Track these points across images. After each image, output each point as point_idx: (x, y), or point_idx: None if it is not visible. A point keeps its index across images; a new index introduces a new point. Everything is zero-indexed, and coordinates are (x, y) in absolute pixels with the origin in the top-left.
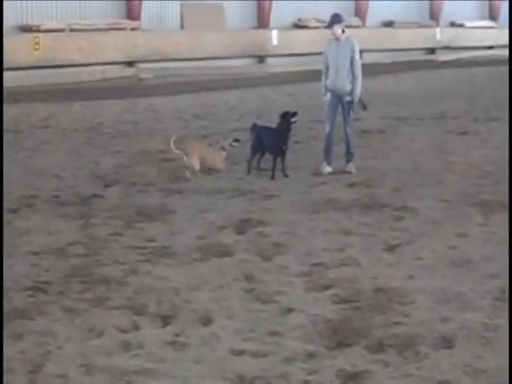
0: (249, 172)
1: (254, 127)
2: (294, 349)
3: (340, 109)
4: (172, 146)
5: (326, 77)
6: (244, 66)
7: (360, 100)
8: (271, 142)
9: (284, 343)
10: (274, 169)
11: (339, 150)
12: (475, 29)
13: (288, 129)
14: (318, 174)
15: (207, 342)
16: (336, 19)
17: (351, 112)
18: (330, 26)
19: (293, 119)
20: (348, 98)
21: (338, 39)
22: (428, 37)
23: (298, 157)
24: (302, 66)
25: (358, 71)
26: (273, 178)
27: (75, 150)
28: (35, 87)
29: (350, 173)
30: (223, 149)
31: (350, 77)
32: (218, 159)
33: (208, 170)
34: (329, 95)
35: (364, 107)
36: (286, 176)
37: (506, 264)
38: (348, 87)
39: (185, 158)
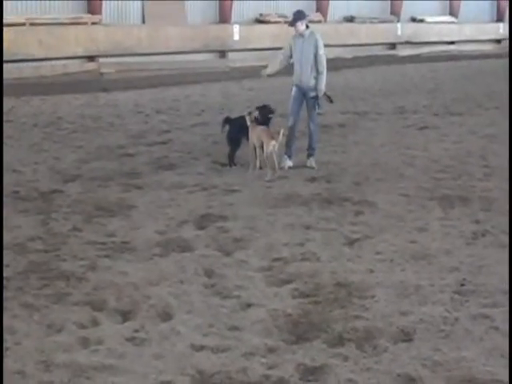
0: (231, 165)
1: (227, 120)
2: (254, 343)
3: (305, 103)
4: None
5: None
6: (205, 60)
7: (325, 94)
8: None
9: (244, 338)
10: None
11: (301, 144)
12: (436, 24)
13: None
14: (278, 168)
15: (167, 337)
16: (298, 16)
17: (316, 107)
18: (292, 23)
19: (270, 115)
20: (312, 94)
21: (301, 35)
22: (389, 32)
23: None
24: (264, 60)
25: (323, 66)
26: (260, 167)
27: (35, 145)
28: None
29: (311, 168)
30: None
31: (314, 72)
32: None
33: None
34: (294, 89)
35: (330, 100)
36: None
37: (465, 258)
38: (312, 82)
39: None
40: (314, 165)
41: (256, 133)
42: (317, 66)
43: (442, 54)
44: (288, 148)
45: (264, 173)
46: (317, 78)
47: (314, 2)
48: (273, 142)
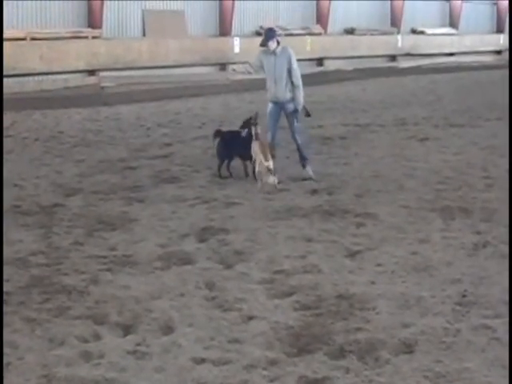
0: (220, 176)
1: (219, 133)
2: (256, 356)
3: (284, 117)
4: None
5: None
6: (206, 73)
7: (303, 107)
8: (242, 146)
9: (245, 351)
10: (246, 169)
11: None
12: (436, 36)
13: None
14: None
15: (168, 350)
16: (269, 35)
17: (295, 121)
18: (264, 43)
19: (252, 120)
20: (291, 107)
21: (273, 53)
22: (389, 44)
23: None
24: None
25: (298, 80)
26: (247, 175)
27: (36, 159)
28: None
29: (308, 178)
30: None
31: (289, 85)
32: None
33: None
34: (270, 105)
35: (307, 114)
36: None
37: (466, 269)
38: (288, 95)
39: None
40: (311, 174)
41: (254, 147)
42: (292, 80)
43: (442, 65)
44: (301, 161)
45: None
46: (293, 92)
47: (315, 14)
48: (268, 156)
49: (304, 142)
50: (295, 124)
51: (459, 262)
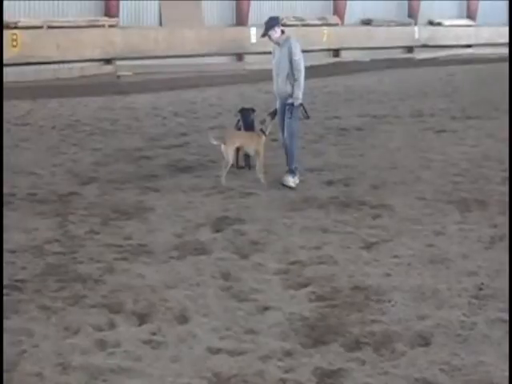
0: (237, 166)
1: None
2: (271, 347)
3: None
4: (210, 137)
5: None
6: (222, 63)
7: (302, 106)
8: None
9: (261, 341)
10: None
11: (318, 147)
12: (453, 27)
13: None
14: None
15: (184, 340)
16: (270, 24)
17: (290, 115)
18: (264, 34)
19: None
20: (289, 100)
21: (277, 43)
22: (406, 35)
23: (276, 154)
24: None
25: (299, 73)
26: (249, 168)
27: (53, 148)
28: (12, 84)
29: (286, 186)
30: (263, 132)
31: (290, 79)
32: (255, 145)
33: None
34: (278, 102)
35: (307, 116)
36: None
37: (482, 262)
38: (289, 89)
39: (222, 147)
40: (290, 184)
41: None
42: (293, 72)
43: (459, 57)
44: (287, 165)
45: (279, 175)
46: (293, 85)
47: (331, 5)
48: (252, 146)
49: (293, 147)
50: (287, 119)
51: (476, 254)
